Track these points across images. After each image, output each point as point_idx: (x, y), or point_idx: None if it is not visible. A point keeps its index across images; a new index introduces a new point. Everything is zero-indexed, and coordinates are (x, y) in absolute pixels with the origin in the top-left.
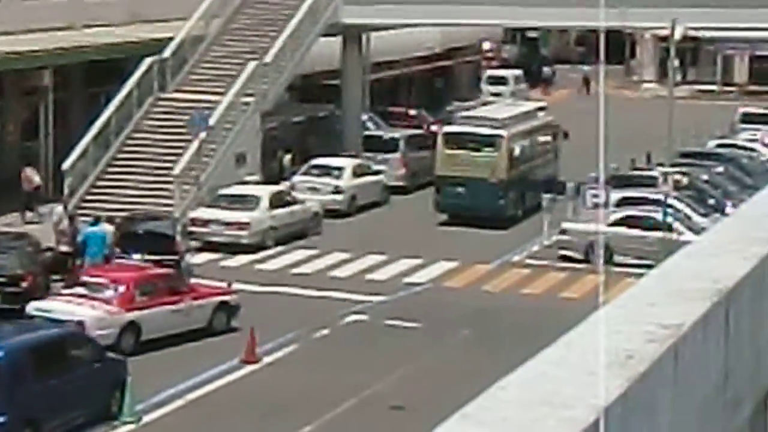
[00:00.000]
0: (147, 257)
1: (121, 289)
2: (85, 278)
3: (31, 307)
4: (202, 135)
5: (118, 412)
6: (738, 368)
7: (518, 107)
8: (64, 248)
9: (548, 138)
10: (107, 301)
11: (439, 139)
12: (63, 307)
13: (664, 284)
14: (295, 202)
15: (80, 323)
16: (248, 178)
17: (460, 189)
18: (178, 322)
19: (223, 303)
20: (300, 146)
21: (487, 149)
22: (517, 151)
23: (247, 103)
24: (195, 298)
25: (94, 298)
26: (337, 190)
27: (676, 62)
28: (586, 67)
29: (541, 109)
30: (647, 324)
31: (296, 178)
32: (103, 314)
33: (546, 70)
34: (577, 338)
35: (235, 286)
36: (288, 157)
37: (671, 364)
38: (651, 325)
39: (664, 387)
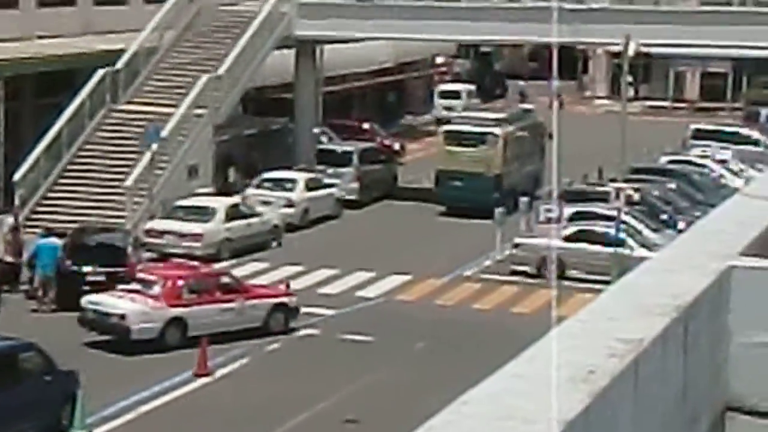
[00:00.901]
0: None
1: (168, 284)
2: (140, 275)
3: (85, 300)
4: (154, 147)
5: (69, 425)
6: (696, 384)
7: (511, 108)
8: (9, 259)
9: (536, 137)
10: (154, 297)
11: (440, 137)
12: (110, 300)
13: (624, 299)
14: (253, 214)
15: (122, 316)
16: (202, 191)
17: (458, 182)
18: (229, 320)
19: (281, 305)
20: (252, 159)
21: (483, 146)
22: (510, 148)
23: (199, 116)
24: (249, 298)
25: (143, 294)
26: (289, 204)
27: (629, 78)
28: (556, 83)
29: (528, 110)
30: (608, 339)
31: (249, 191)
32: (146, 308)
33: (521, 84)
34: (538, 353)
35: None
36: (232, 171)
37: (632, 380)
38: (612, 340)
39: (624, 402)
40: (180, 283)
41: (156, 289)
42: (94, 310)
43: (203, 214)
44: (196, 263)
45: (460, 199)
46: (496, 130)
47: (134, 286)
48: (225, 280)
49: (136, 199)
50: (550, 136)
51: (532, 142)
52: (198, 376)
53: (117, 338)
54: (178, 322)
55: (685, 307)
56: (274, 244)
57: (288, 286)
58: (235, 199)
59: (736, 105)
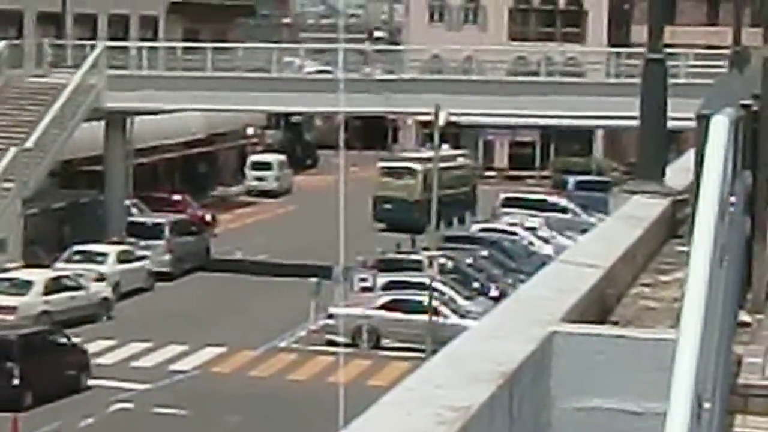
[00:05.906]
0: None
1: None
2: None
3: None
4: None
5: None
6: None
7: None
8: None
9: (460, 173)
10: None
11: (377, 171)
12: None
13: (451, 367)
14: (78, 287)
15: None
16: (12, 265)
17: (389, 205)
18: None
19: None
20: (61, 233)
21: (408, 177)
22: (428, 180)
23: (7, 189)
24: None
25: None
26: (100, 277)
27: (445, 147)
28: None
29: (461, 155)
30: (436, 407)
31: (59, 265)
32: None
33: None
34: (367, 424)
35: None
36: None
37: None
38: (440, 408)
39: None
40: None
41: None
42: None
43: (21, 287)
44: None
45: (391, 218)
46: (418, 166)
47: None
48: None
49: None
50: (481, 177)
51: (452, 177)
52: None
53: None
54: None
55: (509, 374)
56: (105, 317)
57: None
58: (59, 272)
59: (545, 173)
